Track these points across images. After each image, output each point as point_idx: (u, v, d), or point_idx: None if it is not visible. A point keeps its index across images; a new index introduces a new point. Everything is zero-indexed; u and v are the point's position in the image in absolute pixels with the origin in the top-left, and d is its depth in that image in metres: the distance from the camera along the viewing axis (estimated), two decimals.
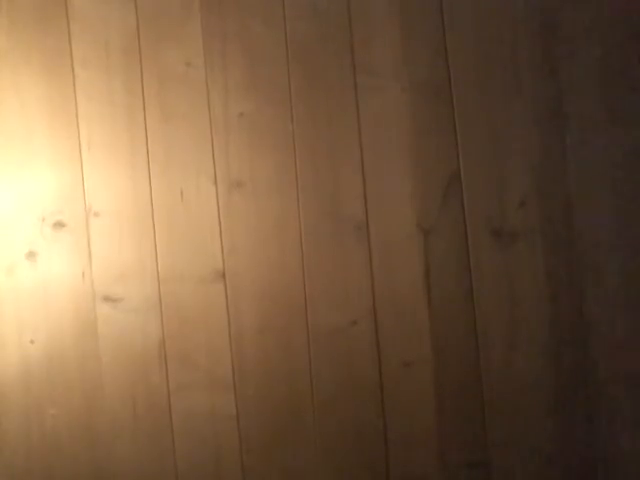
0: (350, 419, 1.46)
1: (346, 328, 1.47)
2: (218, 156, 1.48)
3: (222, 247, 1.47)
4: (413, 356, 1.47)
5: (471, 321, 1.47)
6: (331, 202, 1.48)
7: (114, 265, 1.47)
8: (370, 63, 1.49)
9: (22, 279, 1.45)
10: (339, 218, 1.48)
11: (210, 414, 1.46)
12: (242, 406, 1.46)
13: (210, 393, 1.46)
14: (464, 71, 1.48)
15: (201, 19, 1.49)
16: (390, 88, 1.49)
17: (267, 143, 1.48)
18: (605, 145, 1.48)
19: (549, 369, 1.47)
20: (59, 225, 1.46)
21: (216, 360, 1.46)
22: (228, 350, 1.46)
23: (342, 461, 1.46)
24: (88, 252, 1.46)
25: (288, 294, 1.47)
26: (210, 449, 1.45)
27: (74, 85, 1.48)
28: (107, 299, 1.46)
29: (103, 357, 1.45)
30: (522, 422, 1.46)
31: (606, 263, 1.47)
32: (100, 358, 1.45)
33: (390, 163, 1.48)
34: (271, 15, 1.49)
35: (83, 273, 1.46)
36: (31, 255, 1.46)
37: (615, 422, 1.46)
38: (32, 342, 1.45)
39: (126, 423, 1.45)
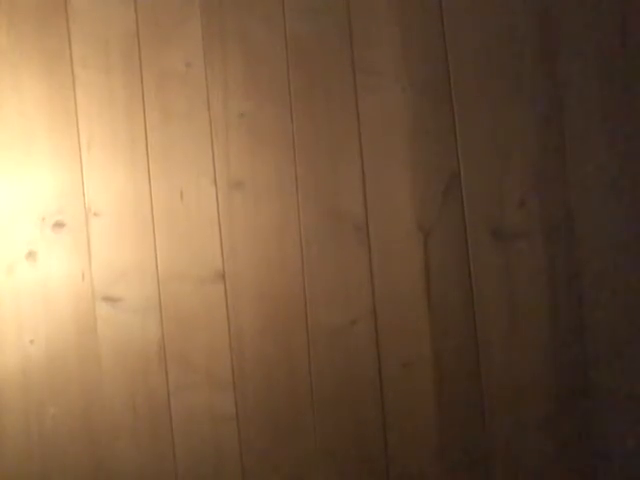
0: (350, 419, 1.46)
1: (346, 328, 1.47)
2: (218, 156, 1.48)
3: (222, 247, 1.47)
4: (413, 356, 1.47)
5: (471, 321, 1.47)
6: (331, 202, 1.48)
7: (114, 265, 1.47)
8: (370, 63, 1.49)
9: (22, 279, 1.45)
10: (339, 218, 1.48)
11: (210, 414, 1.46)
12: (242, 406, 1.46)
13: (210, 393, 1.46)
14: (464, 71, 1.48)
15: (201, 19, 1.49)
16: (390, 88, 1.49)
17: (267, 143, 1.48)
18: (605, 145, 1.48)
19: (549, 369, 1.47)
20: (59, 225, 1.47)
21: (216, 360, 1.46)
22: (228, 350, 1.46)
23: (342, 461, 1.46)
24: (88, 252, 1.46)
25: (288, 294, 1.47)
26: (210, 449, 1.45)
27: (74, 85, 1.48)
28: (107, 299, 1.46)
29: (103, 357, 1.45)
30: (522, 422, 1.46)
31: (606, 263, 1.47)
32: (100, 358, 1.45)
33: (390, 163, 1.48)
34: (271, 15, 1.49)
35: (83, 273, 1.46)
36: (31, 255, 1.46)
37: (615, 422, 1.46)
38: (32, 342, 1.45)
39: (126, 423, 1.45)
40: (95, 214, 1.47)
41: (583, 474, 1.47)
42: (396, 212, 1.48)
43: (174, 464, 1.45)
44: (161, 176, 1.48)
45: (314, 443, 1.46)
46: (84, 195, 1.47)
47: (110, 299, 1.46)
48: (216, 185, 1.48)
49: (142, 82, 1.49)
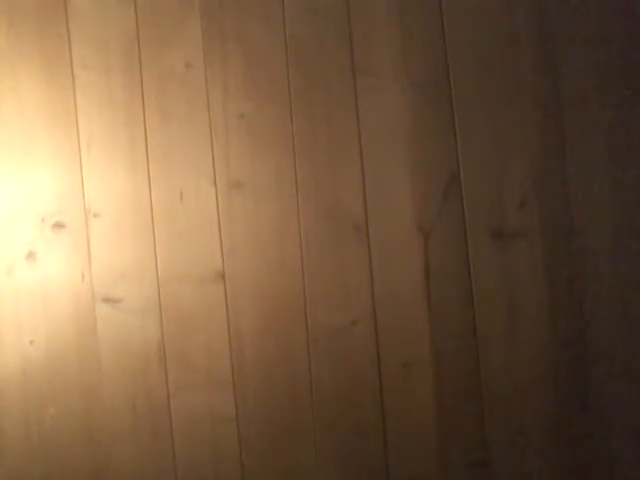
0: (350, 419, 1.46)
1: (346, 328, 1.47)
2: (218, 157, 1.48)
3: (222, 248, 1.47)
4: (413, 356, 1.47)
5: (471, 321, 1.47)
6: (331, 202, 1.48)
7: (114, 266, 1.46)
8: (370, 63, 1.49)
9: (22, 279, 1.45)
10: (339, 218, 1.48)
11: (209, 415, 1.46)
12: (241, 407, 1.46)
13: (209, 394, 1.46)
14: (464, 71, 1.49)
15: (201, 20, 1.49)
16: (390, 88, 1.49)
17: (267, 144, 1.48)
18: (605, 145, 1.48)
19: (549, 369, 1.47)
20: (59, 226, 1.46)
21: (216, 361, 1.46)
22: (227, 351, 1.46)
23: (342, 461, 1.46)
24: (88, 253, 1.46)
25: (288, 295, 1.47)
26: (209, 450, 1.45)
27: (73, 86, 1.48)
28: (107, 300, 1.46)
29: (102, 358, 1.45)
30: (522, 422, 1.46)
31: (606, 263, 1.47)
32: (99, 359, 1.45)
33: (390, 164, 1.48)
34: (271, 16, 1.49)
35: (83, 274, 1.46)
36: (31, 256, 1.46)
37: (615, 422, 1.46)
38: (31, 342, 1.44)
39: (125, 424, 1.45)
40: (95, 215, 1.47)
41: (583, 474, 1.47)
42: (396, 212, 1.48)
43: (174, 464, 1.45)
44: (161, 177, 1.48)
45: (314, 443, 1.46)
46: (84, 196, 1.47)
47: (110, 300, 1.46)
48: (216, 186, 1.48)
49: (142, 83, 1.49)
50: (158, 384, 1.45)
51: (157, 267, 1.46)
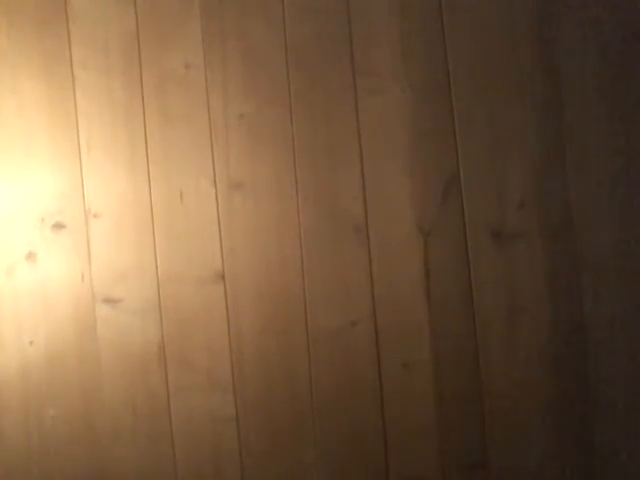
0: (350, 420, 1.46)
1: (346, 329, 1.47)
2: (218, 157, 1.48)
3: (222, 248, 1.47)
4: (413, 357, 1.47)
5: (471, 321, 1.47)
6: (331, 203, 1.48)
7: (114, 266, 1.46)
8: (369, 64, 1.49)
9: (21, 280, 1.45)
10: (339, 219, 1.48)
11: (209, 415, 1.46)
12: (241, 407, 1.46)
13: (209, 394, 1.46)
14: (464, 71, 1.49)
15: (201, 20, 1.49)
16: (389, 89, 1.49)
17: (267, 144, 1.48)
18: (605, 145, 1.48)
19: (549, 369, 1.47)
20: (59, 226, 1.46)
21: (216, 361, 1.46)
22: (228, 351, 1.46)
23: (342, 462, 1.46)
24: (88, 253, 1.46)
25: (288, 295, 1.47)
26: (209, 450, 1.45)
27: (73, 86, 1.48)
28: (106, 300, 1.46)
29: (102, 358, 1.45)
30: (522, 422, 1.46)
31: (605, 263, 1.47)
32: (99, 359, 1.45)
33: (390, 164, 1.48)
34: (271, 16, 1.49)
35: (82, 274, 1.46)
36: (31, 256, 1.46)
37: (615, 422, 1.46)
38: (31, 343, 1.44)
39: (125, 424, 1.45)
40: (95, 215, 1.47)
41: (583, 474, 1.46)
42: (396, 213, 1.48)
43: (174, 465, 1.45)
44: (161, 177, 1.48)
45: (314, 444, 1.46)
46: (84, 196, 1.47)
47: (110, 300, 1.46)
48: (216, 186, 1.48)
49: (142, 83, 1.49)
50: (158, 384, 1.45)
51: (157, 267, 1.47)
